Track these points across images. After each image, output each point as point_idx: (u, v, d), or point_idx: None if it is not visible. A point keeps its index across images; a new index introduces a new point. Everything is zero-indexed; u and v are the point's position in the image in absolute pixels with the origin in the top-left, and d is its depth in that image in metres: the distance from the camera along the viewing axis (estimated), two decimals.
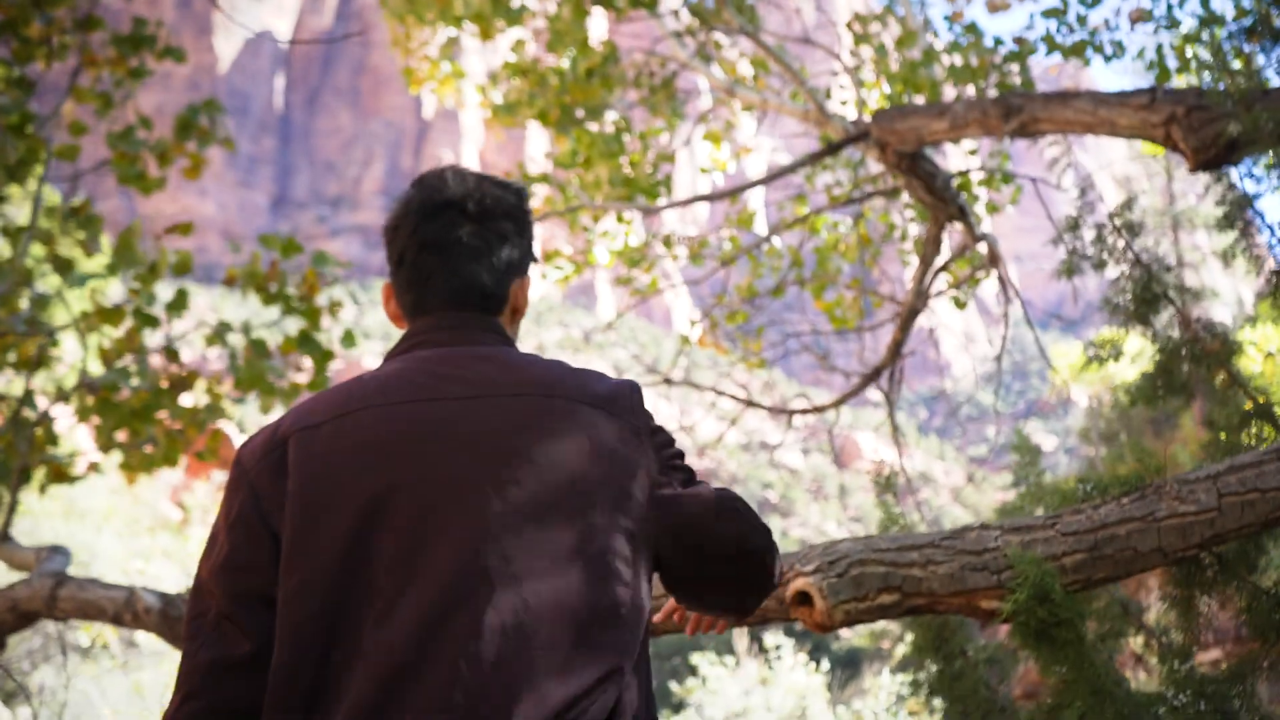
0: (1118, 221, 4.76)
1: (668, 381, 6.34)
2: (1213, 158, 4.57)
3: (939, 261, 6.28)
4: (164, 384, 4.90)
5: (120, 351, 4.91)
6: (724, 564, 1.85)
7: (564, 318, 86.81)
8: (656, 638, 3.59)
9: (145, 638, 9.18)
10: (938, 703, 12.49)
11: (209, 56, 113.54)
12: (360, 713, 1.50)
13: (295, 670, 1.56)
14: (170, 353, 4.97)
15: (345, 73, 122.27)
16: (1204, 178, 4.74)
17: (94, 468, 5.28)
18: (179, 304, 4.72)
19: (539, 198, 7.53)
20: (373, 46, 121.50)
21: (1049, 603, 3.25)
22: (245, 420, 40.65)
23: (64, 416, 5.28)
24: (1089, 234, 4.81)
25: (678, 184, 7.52)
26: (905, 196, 7.17)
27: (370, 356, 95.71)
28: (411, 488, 1.64)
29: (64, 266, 4.58)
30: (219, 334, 4.89)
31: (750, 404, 6.31)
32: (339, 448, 1.68)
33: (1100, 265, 4.78)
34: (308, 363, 5.36)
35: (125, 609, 4.04)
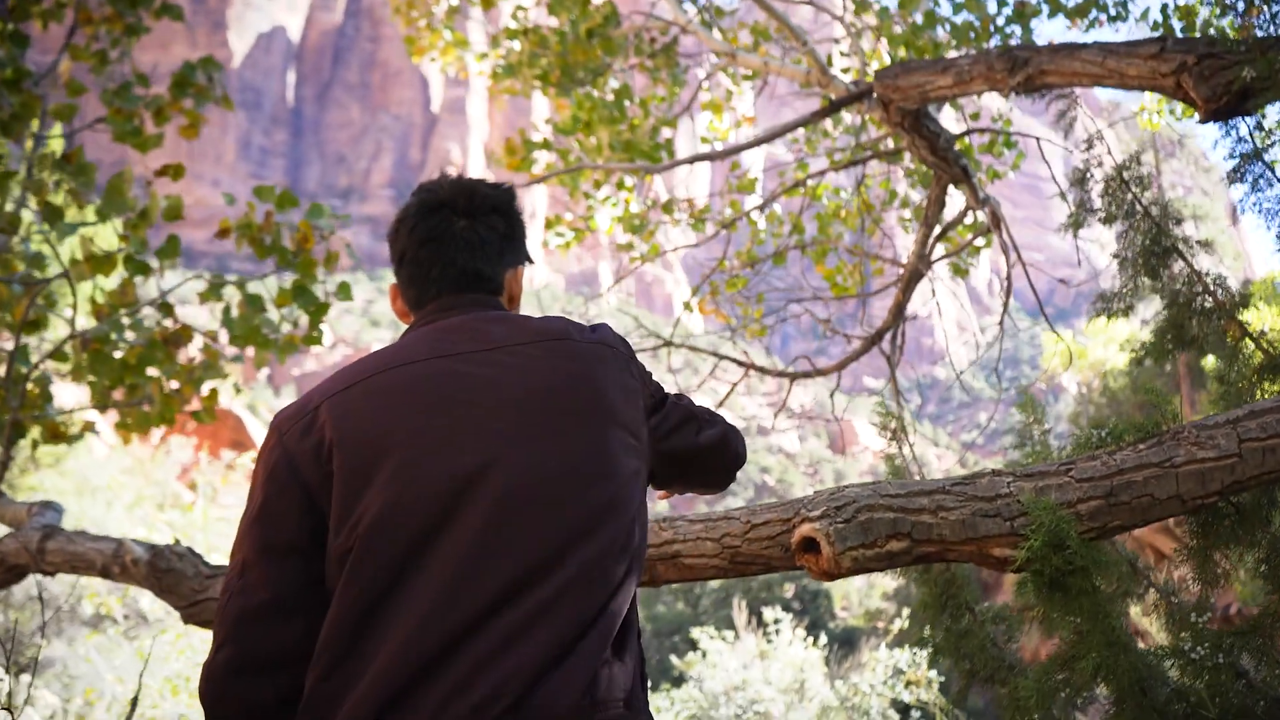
0: (1126, 174, 4.58)
1: (668, 344, 6.13)
2: (1224, 106, 4.33)
3: (942, 225, 6.06)
4: (158, 337, 4.69)
5: (114, 305, 4.70)
6: (706, 462, 2.25)
7: (566, 305, 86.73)
8: (657, 586, 3.40)
9: (149, 605, 9.01)
10: (934, 675, 12.24)
11: (223, 52, 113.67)
12: (443, 594, 1.65)
13: (367, 582, 1.67)
14: (165, 307, 4.75)
15: (355, 68, 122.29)
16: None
17: (88, 427, 5.07)
18: (170, 251, 4.49)
19: (540, 163, 7.33)
20: (382, 42, 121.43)
21: (1064, 550, 3.04)
22: (254, 400, 40.60)
23: (65, 389, 5.08)
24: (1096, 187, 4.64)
25: (679, 153, 7.30)
26: (906, 162, 6.96)
27: (380, 344, 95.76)
28: (449, 427, 1.78)
29: (54, 214, 4.35)
30: (214, 288, 4.67)
31: (752, 368, 6.10)
32: (374, 404, 1.80)
33: (1108, 219, 4.60)
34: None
35: (113, 560, 3.84)
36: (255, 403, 42.70)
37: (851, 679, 14.29)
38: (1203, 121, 4.46)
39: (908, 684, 13.05)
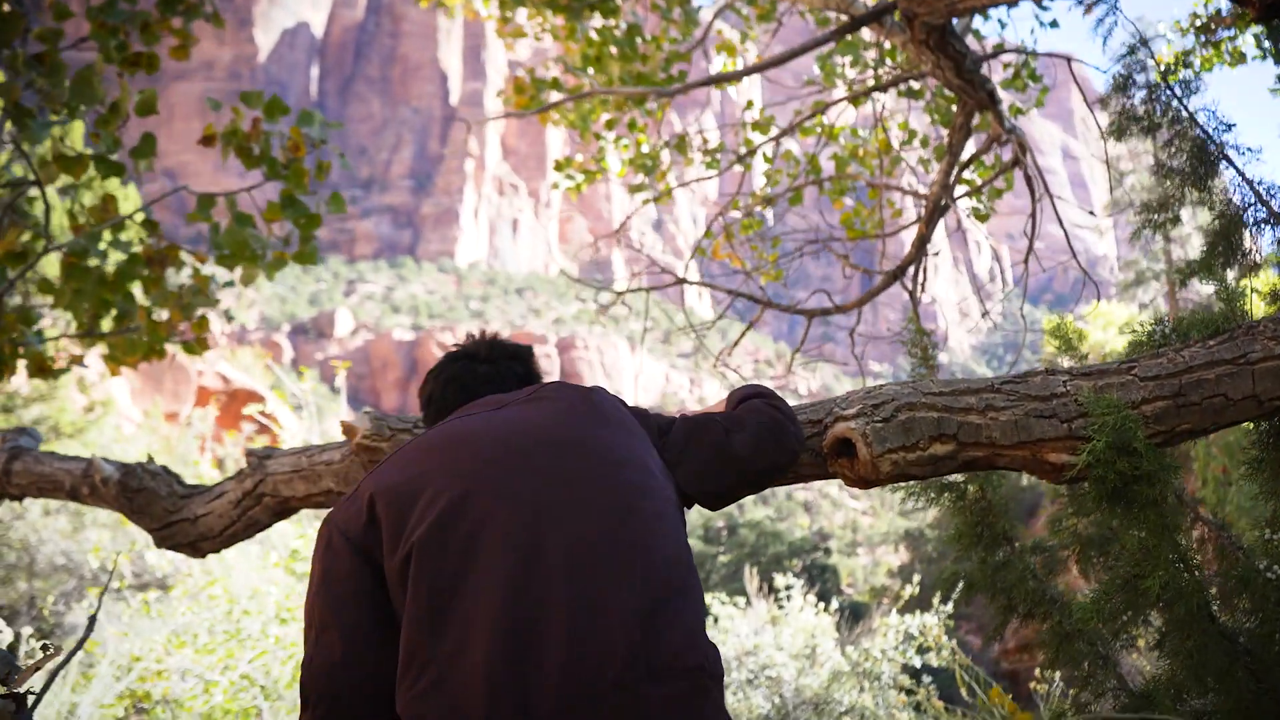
0: (1170, 78, 4.12)
1: (681, 281, 5.69)
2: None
3: (965, 157, 5.61)
4: (141, 254, 4.26)
5: (94, 220, 4.27)
6: (741, 474, 2.25)
7: (582, 292, 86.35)
8: None
9: (156, 559, 8.63)
10: (946, 639, 11.64)
11: (249, 47, 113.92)
12: (510, 585, 1.69)
13: (434, 574, 1.73)
14: (149, 224, 4.32)
15: (376, 63, 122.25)
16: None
17: (77, 361, 4.67)
18: (145, 150, 4.06)
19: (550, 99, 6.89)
20: (402, 37, 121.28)
21: (1131, 454, 2.59)
22: (278, 381, 40.26)
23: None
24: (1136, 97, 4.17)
25: (692, 96, 6.84)
26: (927, 98, 6.51)
27: (400, 330, 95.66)
28: (479, 456, 1.88)
29: (23, 115, 3.93)
30: (203, 207, 4.24)
31: (768, 305, 5.66)
32: (408, 460, 1.92)
33: (1151, 128, 4.13)
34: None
35: (82, 480, 3.42)
36: (279, 385, 42.39)
37: (863, 644, 13.91)
38: (1256, 21, 4.02)
39: (919, 649, 12.64)
